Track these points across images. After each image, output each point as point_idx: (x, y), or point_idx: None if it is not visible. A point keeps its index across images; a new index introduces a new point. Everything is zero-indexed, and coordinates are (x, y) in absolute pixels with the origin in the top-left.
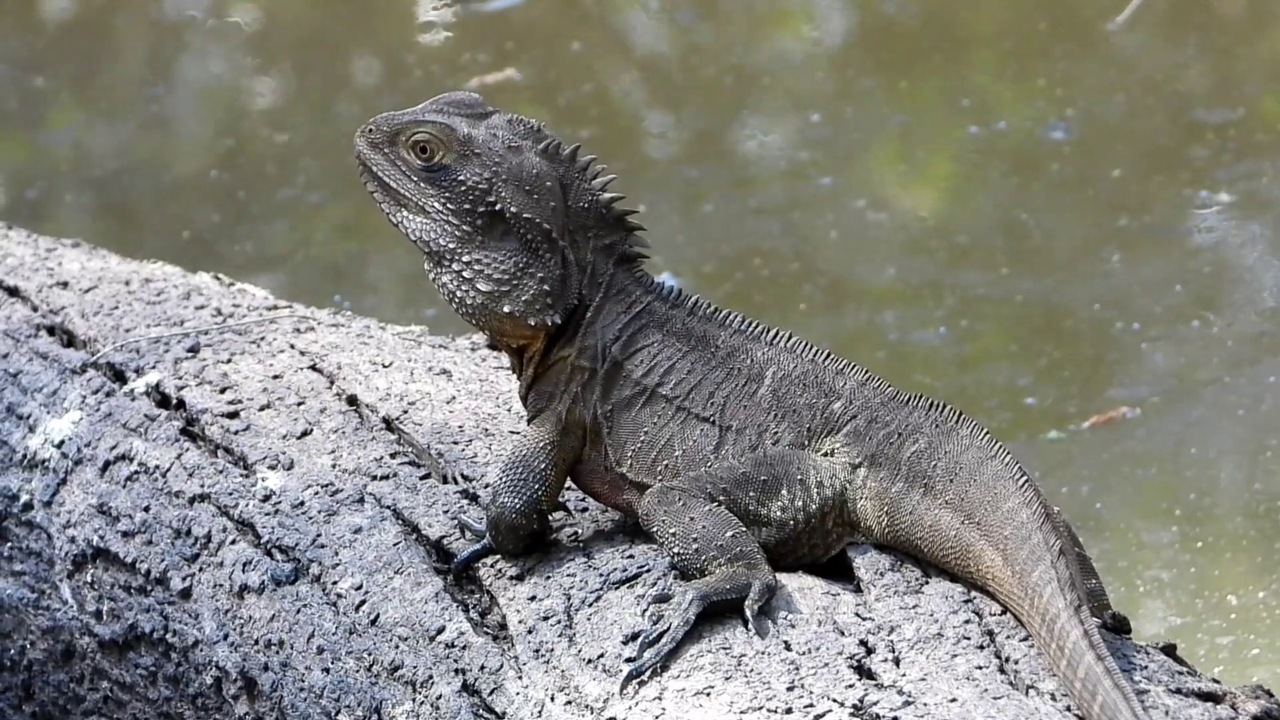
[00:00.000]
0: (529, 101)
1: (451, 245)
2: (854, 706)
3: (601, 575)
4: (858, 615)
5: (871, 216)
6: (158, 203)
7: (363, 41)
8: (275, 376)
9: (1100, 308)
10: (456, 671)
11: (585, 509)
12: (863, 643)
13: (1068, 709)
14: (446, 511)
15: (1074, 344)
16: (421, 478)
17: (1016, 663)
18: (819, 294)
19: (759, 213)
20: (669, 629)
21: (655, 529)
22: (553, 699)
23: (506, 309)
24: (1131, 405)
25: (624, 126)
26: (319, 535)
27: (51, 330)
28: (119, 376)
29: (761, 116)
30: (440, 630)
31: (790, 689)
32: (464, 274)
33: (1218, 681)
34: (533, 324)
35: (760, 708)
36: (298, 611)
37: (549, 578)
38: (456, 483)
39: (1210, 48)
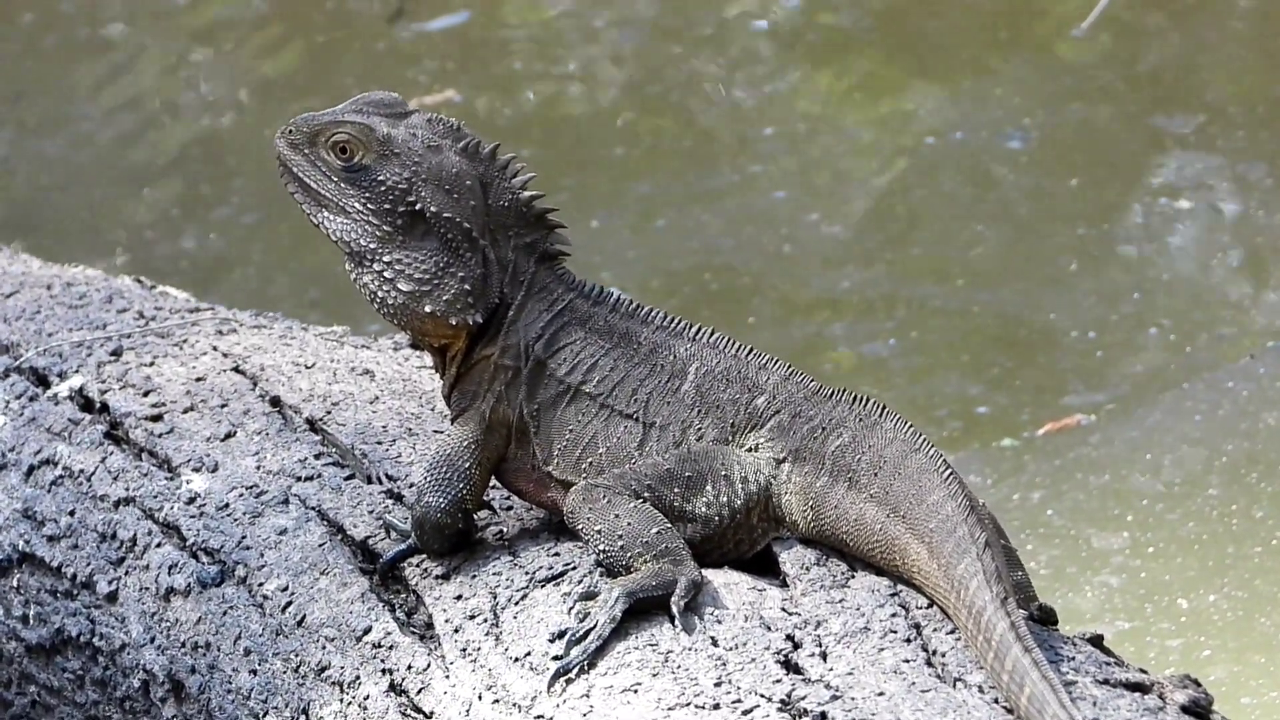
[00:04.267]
0: (470, 123)
1: (372, 245)
2: (781, 701)
3: (527, 573)
4: (784, 610)
5: (826, 229)
6: (89, 221)
7: (300, 63)
8: (198, 379)
9: (1056, 316)
10: (384, 671)
11: (510, 507)
12: (789, 637)
13: (995, 701)
14: (371, 512)
15: (1029, 353)
16: (346, 478)
17: (944, 655)
18: (768, 307)
19: (711, 228)
20: (595, 626)
21: (580, 526)
22: (480, 698)
23: (428, 308)
24: (1087, 412)
25: (569, 145)
26: (244, 537)
27: None
28: (42, 381)
29: (712, 131)
30: (367, 630)
31: (718, 685)
32: (385, 274)
33: (1145, 672)
34: (454, 323)
35: (688, 704)
36: (224, 614)
37: (475, 576)
38: (381, 483)
39: (1170, 55)
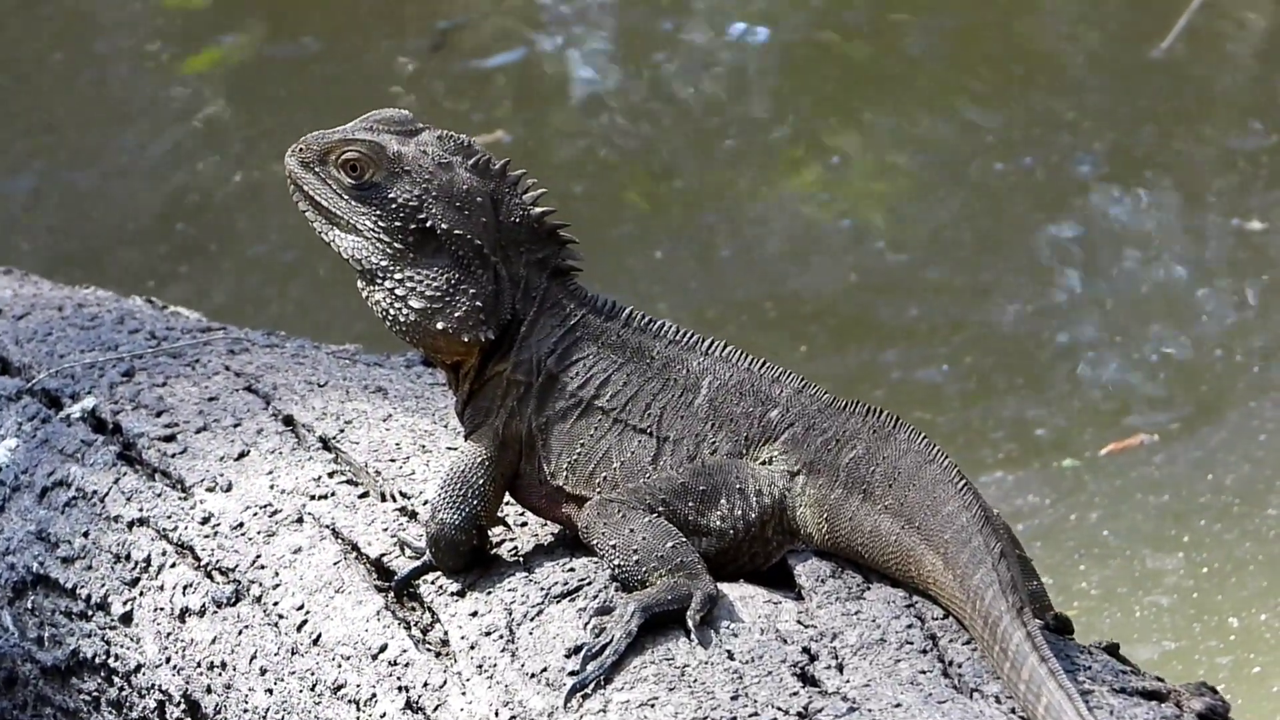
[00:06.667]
0: (523, 161)
1: (383, 263)
2: (799, 714)
3: (542, 589)
4: (800, 623)
5: (891, 258)
6: (120, 253)
7: (349, 101)
8: (211, 398)
9: (1123, 339)
10: (400, 689)
11: (525, 523)
12: (806, 650)
13: (1012, 711)
14: (385, 529)
15: (1092, 375)
16: (360, 496)
17: (960, 666)
18: (825, 335)
19: (777, 257)
20: (611, 641)
21: (595, 541)
22: (497, 714)
23: (440, 326)
24: (1150, 432)
25: (628, 179)
26: (259, 556)
27: None
28: (54, 402)
29: (777, 161)
30: (383, 648)
31: (734, 698)
32: (396, 291)
33: (1161, 680)
34: (466, 340)
35: (705, 718)
36: (239, 633)
37: (490, 593)
38: (395, 500)
39: (1243, 74)
